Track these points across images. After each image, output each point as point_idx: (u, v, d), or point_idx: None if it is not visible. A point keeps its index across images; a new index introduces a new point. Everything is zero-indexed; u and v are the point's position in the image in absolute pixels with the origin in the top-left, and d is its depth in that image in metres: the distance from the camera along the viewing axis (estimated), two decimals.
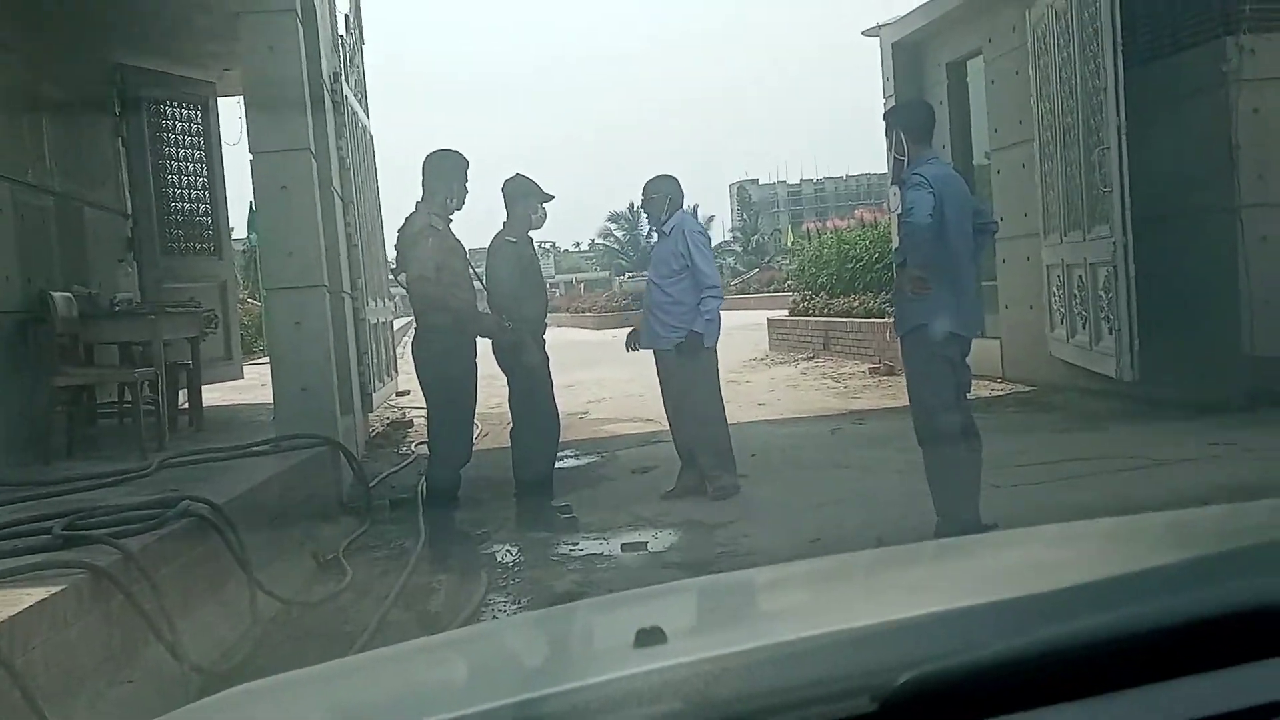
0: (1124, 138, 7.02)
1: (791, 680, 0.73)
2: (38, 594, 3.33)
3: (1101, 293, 7.59)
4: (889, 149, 5.25)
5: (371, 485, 6.73)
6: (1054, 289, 8.78)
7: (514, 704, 0.79)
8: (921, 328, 4.99)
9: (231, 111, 10.80)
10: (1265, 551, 0.94)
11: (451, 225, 5.72)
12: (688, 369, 6.32)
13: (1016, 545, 1.56)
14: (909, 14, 11.44)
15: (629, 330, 6.81)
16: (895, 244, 5.70)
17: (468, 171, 5.82)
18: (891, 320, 5.87)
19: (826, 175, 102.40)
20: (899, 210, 5.26)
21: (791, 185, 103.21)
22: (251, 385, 10.12)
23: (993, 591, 0.98)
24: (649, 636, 0.88)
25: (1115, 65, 7.03)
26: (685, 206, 6.65)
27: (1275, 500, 1.18)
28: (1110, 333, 7.43)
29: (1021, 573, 1.19)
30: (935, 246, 4.86)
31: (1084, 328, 8.09)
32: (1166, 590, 0.79)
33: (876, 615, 0.95)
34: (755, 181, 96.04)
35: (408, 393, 11.11)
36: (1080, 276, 8.08)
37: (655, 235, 6.70)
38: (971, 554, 1.59)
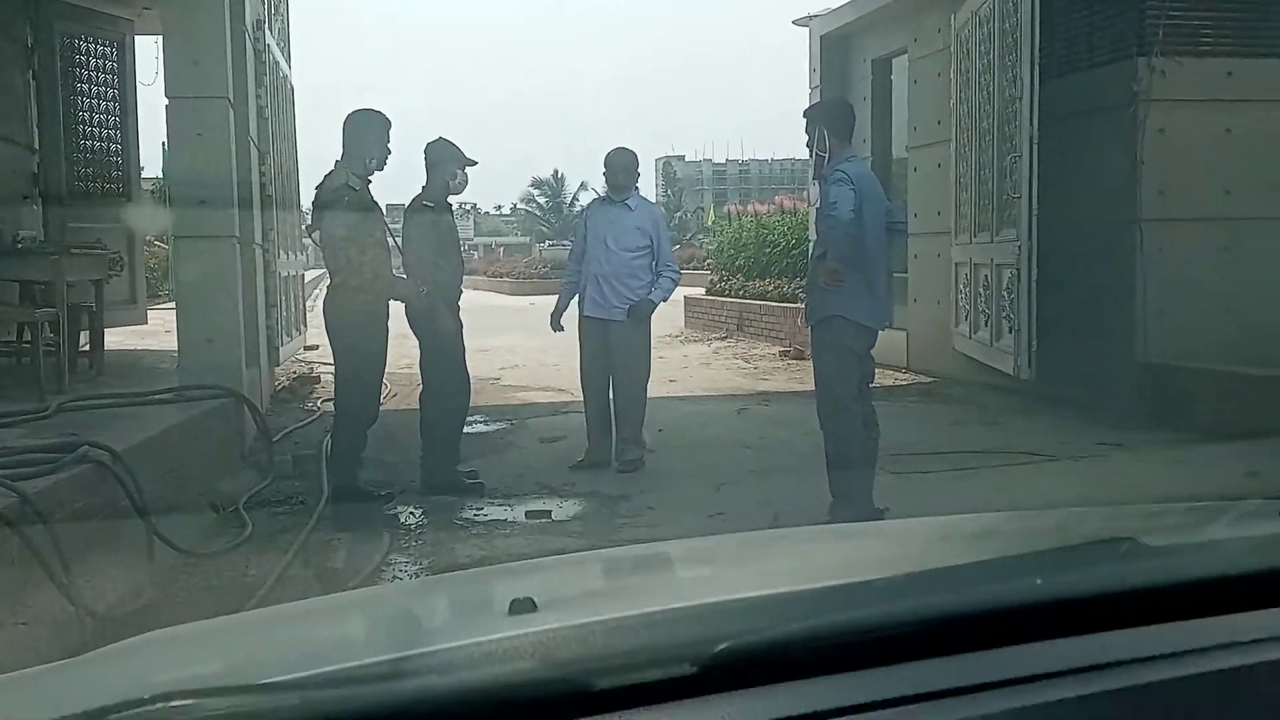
0: (1035, 147, 7.24)
1: (628, 646, 0.85)
2: None
3: (1005, 293, 7.83)
4: (810, 144, 5.41)
5: (275, 440, 6.69)
6: (961, 286, 9.03)
7: (386, 660, 0.87)
8: (833, 318, 5.16)
9: (148, 51, 10.58)
10: (1043, 557, 1.12)
11: (370, 186, 5.69)
12: (635, 339, 6.45)
13: (885, 536, 1.70)
14: (839, 8, 11.61)
15: (553, 309, 6.79)
16: (814, 236, 5.85)
17: (389, 132, 5.78)
18: (804, 307, 6.02)
19: (752, 157, 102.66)
20: (819, 204, 5.47)
21: (717, 164, 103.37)
22: (155, 331, 9.95)
23: (839, 576, 1.13)
24: (521, 606, 0.98)
25: (1032, 76, 7.24)
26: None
27: (1107, 509, 1.31)
28: (1010, 331, 7.68)
29: (871, 562, 1.34)
30: (853, 241, 5.03)
31: (986, 325, 8.34)
32: (944, 588, 0.98)
33: (728, 592, 1.11)
34: (681, 158, 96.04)
35: (316, 347, 11.00)
36: (986, 276, 8.33)
37: (604, 204, 6.74)
38: (848, 539, 1.73)
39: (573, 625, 0.91)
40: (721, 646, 0.81)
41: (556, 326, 6.79)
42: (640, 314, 6.45)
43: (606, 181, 6.69)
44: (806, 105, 5.91)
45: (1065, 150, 7.66)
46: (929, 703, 0.80)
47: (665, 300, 6.66)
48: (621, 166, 6.62)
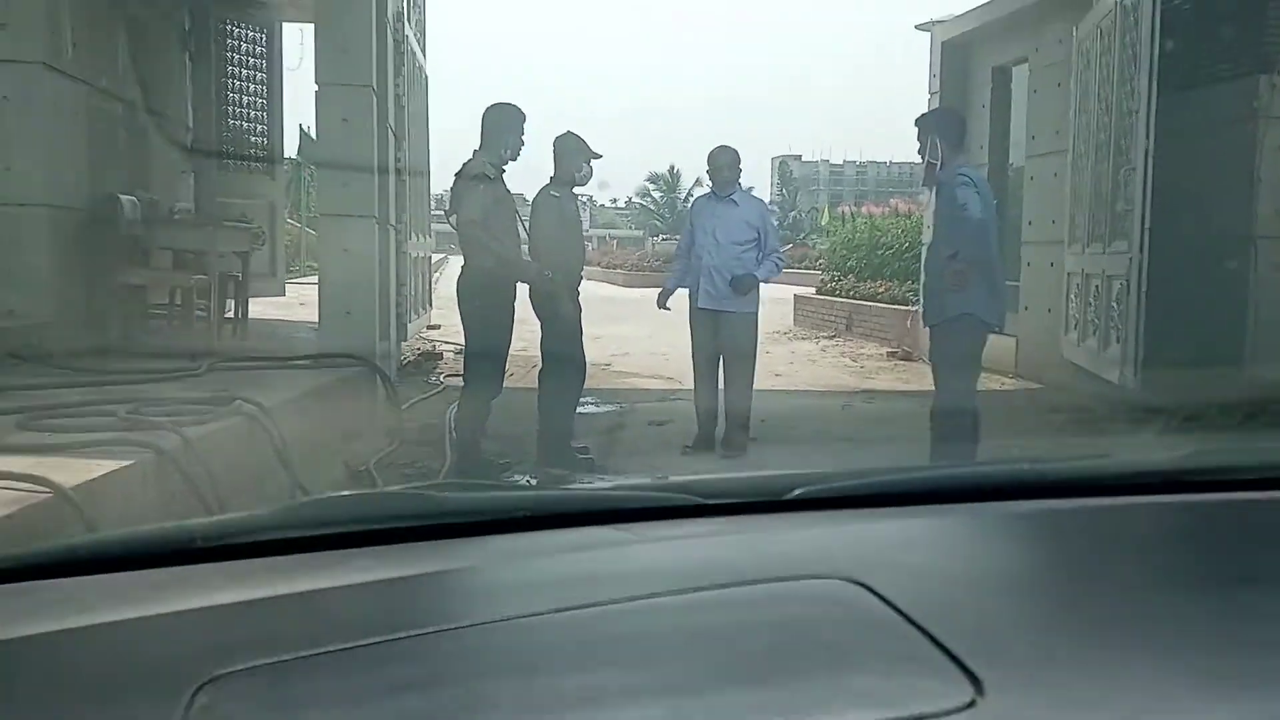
0: (1150, 160, 7.28)
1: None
2: (109, 465, 3.74)
3: (1114, 303, 7.88)
4: (921, 151, 5.64)
5: (404, 408, 7.11)
6: (1072, 295, 9.07)
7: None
8: (961, 316, 5.44)
9: (293, 37, 11.18)
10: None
11: (504, 175, 6.05)
12: (744, 330, 6.71)
13: None
14: (962, 14, 11.66)
15: (660, 291, 7.06)
16: (927, 239, 6.04)
17: (523, 125, 6.13)
18: (919, 308, 6.27)
19: (870, 159, 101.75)
20: (942, 207, 5.67)
21: (834, 165, 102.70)
22: (290, 303, 10.53)
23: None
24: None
25: (1150, 89, 7.27)
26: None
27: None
28: (1117, 341, 7.74)
29: None
30: (983, 242, 5.31)
31: (1094, 334, 8.38)
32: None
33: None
34: (799, 158, 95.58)
35: (438, 327, 11.51)
36: (1096, 286, 8.37)
37: (710, 200, 6.94)
38: None
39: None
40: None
41: (662, 305, 7.02)
42: (743, 287, 6.60)
43: (710, 178, 6.96)
44: (925, 110, 6.10)
45: (1181, 164, 7.68)
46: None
47: (767, 279, 6.79)
48: (723, 164, 6.82)
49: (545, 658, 0.86)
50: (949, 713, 0.72)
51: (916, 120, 5.82)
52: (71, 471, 3.52)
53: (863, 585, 0.93)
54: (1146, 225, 7.34)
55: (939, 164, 5.52)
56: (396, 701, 0.78)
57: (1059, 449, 6.89)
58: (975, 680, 0.76)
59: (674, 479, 1.31)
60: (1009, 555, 1.20)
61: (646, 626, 0.91)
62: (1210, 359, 7.66)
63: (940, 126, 5.69)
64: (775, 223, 7.00)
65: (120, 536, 1.19)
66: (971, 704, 0.73)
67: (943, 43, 11.96)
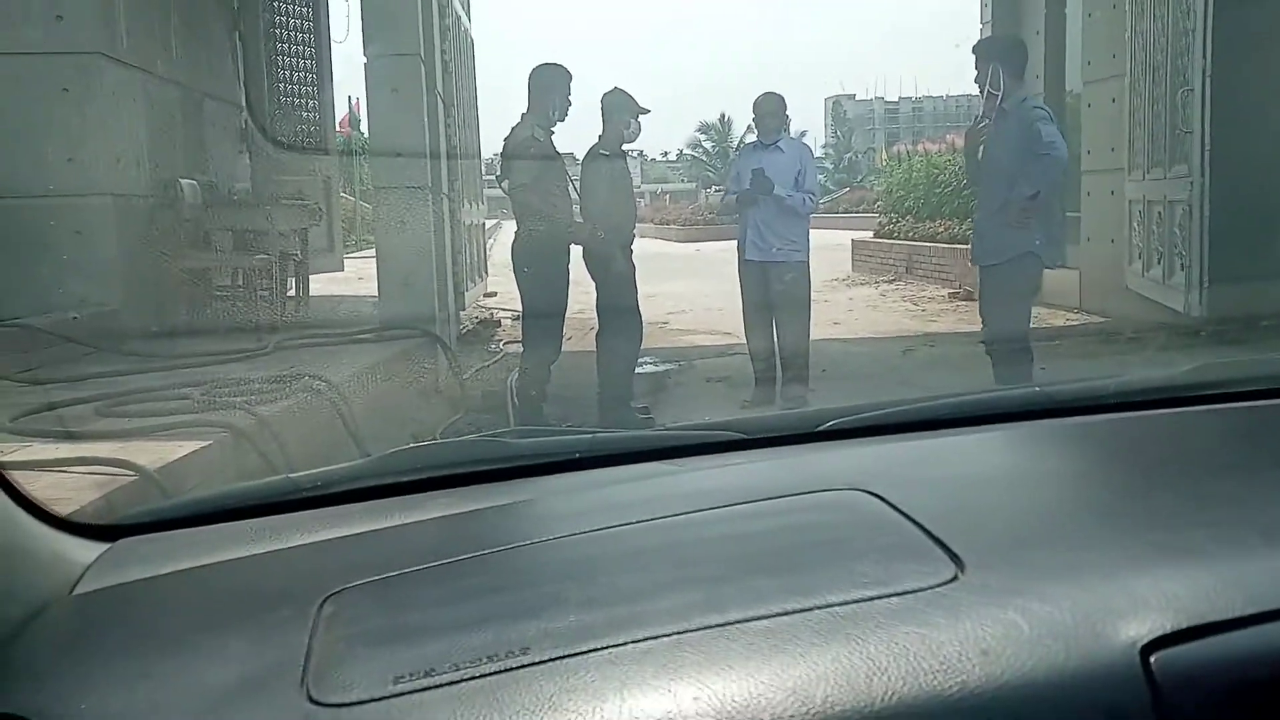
0: (1208, 80, 7.12)
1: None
2: (189, 447, 3.87)
3: (1177, 229, 7.75)
4: (980, 81, 5.49)
5: (465, 377, 7.22)
6: (1135, 224, 8.92)
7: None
8: (1026, 255, 5.42)
9: (339, 9, 11.23)
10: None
11: (553, 136, 6.08)
12: (796, 280, 6.61)
13: None
14: None
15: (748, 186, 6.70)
16: (978, 170, 5.82)
17: (570, 85, 6.14)
18: (970, 246, 6.15)
19: (926, 94, 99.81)
20: (994, 140, 5.55)
21: (889, 103, 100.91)
22: (349, 278, 10.68)
23: None
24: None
25: (1205, 6, 7.11)
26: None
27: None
28: (1182, 269, 7.62)
29: None
30: (1062, 179, 5.33)
31: (1159, 263, 8.26)
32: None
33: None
34: (852, 97, 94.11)
35: (495, 294, 11.59)
36: (1159, 213, 8.23)
37: (755, 149, 6.87)
38: None
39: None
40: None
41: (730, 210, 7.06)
42: (758, 189, 6.46)
43: (755, 126, 6.89)
44: (977, 40, 5.97)
45: (1240, 83, 7.48)
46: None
47: (785, 199, 6.47)
48: (768, 111, 6.73)
49: (602, 562, 1.01)
50: (934, 587, 0.85)
51: (975, 47, 5.69)
52: (153, 454, 3.65)
53: (873, 494, 1.07)
54: (1207, 147, 7.21)
55: (1000, 95, 5.38)
56: (481, 601, 0.94)
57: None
58: (958, 561, 0.89)
59: (718, 420, 1.44)
60: (1011, 466, 1.32)
61: (689, 535, 1.06)
62: (1275, 281, 7.49)
63: (1003, 54, 5.56)
64: (815, 165, 6.93)
65: (237, 490, 1.37)
66: (954, 579, 0.86)
67: None
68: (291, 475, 1.31)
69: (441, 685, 0.78)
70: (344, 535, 1.13)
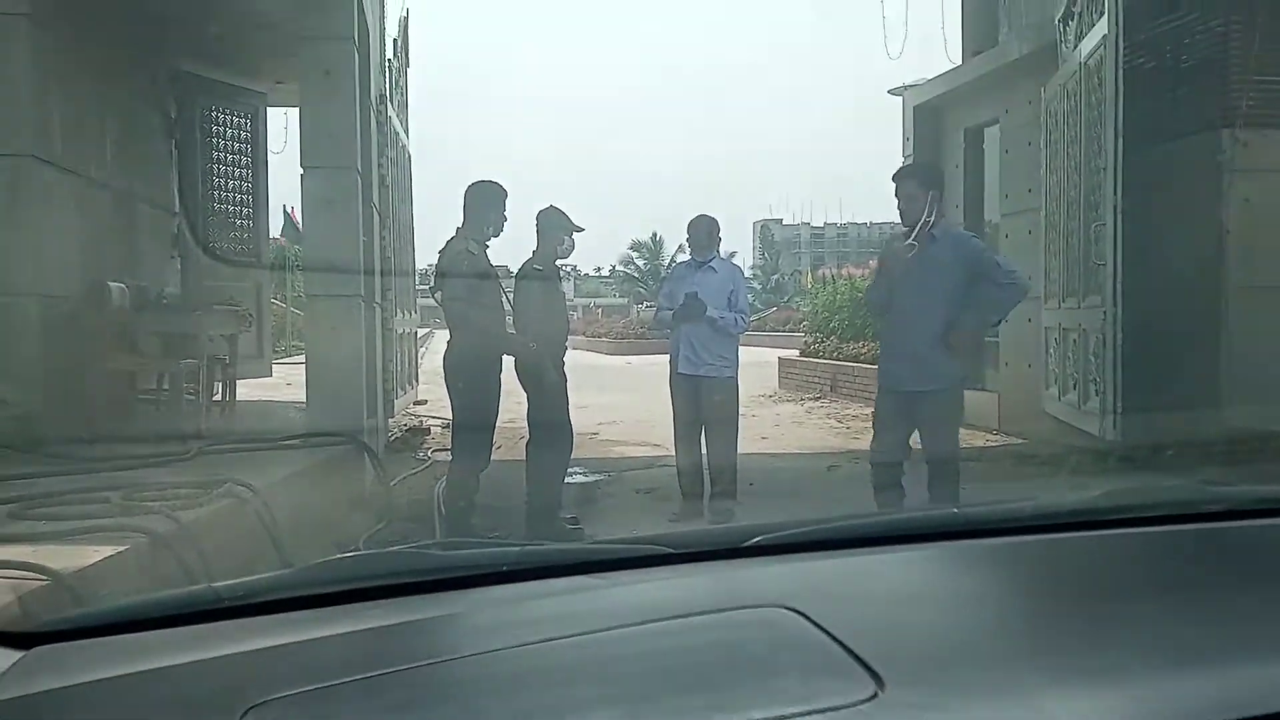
0: (1119, 215, 7.44)
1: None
2: (104, 551, 3.78)
3: (1092, 357, 8.01)
4: (909, 206, 5.46)
5: (392, 484, 7.16)
6: (1051, 351, 9.21)
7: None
8: (961, 382, 5.64)
9: (277, 122, 11.36)
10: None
11: (488, 250, 6.16)
12: (725, 395, 6.72)
13: None
14: (933, 79, 11.95)
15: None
16: (894, 296, 5.68)
17: (505, 201, 6.25)
18: (904, 371, 5.68)
19: (850, 220, 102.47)
20: (920, 266, 5.48)
21: (815, 228, 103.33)
22: (278, 384, 10.59)
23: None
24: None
25: (1116, 147, 7.45)
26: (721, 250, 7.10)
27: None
28: (1096, 394, 7.85)
29: None
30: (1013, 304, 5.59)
31: (1074, 388, 8.50)
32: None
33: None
34: (779, 221, 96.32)
35: (425, 402, 11.56)
36: (1074, 340, 8.51)
37: (689, 267, 7.02)
38: None
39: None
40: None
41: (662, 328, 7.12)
42: (690, 312, 6.58)
43: (689, 246, 7.06)
44: (902, 165, 5.94)
45: (1151, 218, 7.84)
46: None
47: (716, 320, 6.61)
48: (702, 232, 6.90)
49: (527, 679, 1.02)
50: (854, 704, 0.87)
51: (901, 173, 5.68)
52: (68, 558, 3.56)
53: (797, 611, 1.09)
54: (1119, 279, 7.49)
55: (931, 221, 5.41)
56: (404, 717, 0.94)
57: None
58: (878, 679, 0.91)
59: (646, 534, 1.46)
60: (931, 585, 1.36)
61: (614, 651, 1.07)
62: (1186, 406, 7.76)
63: (932, 180, 5.64)
64: (745, 286, 7.09)
65: (158, 598, 1.34)
66: (874, 696, 0.88)
67: (915, 106, 12.23)
68: (214, 585, 1.29)
69: None
70: (267, 646, 1.12)
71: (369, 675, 1.01)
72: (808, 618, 1.06)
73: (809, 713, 0.85)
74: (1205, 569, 1.35)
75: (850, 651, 0.97)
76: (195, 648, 1.11)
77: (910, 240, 5.50)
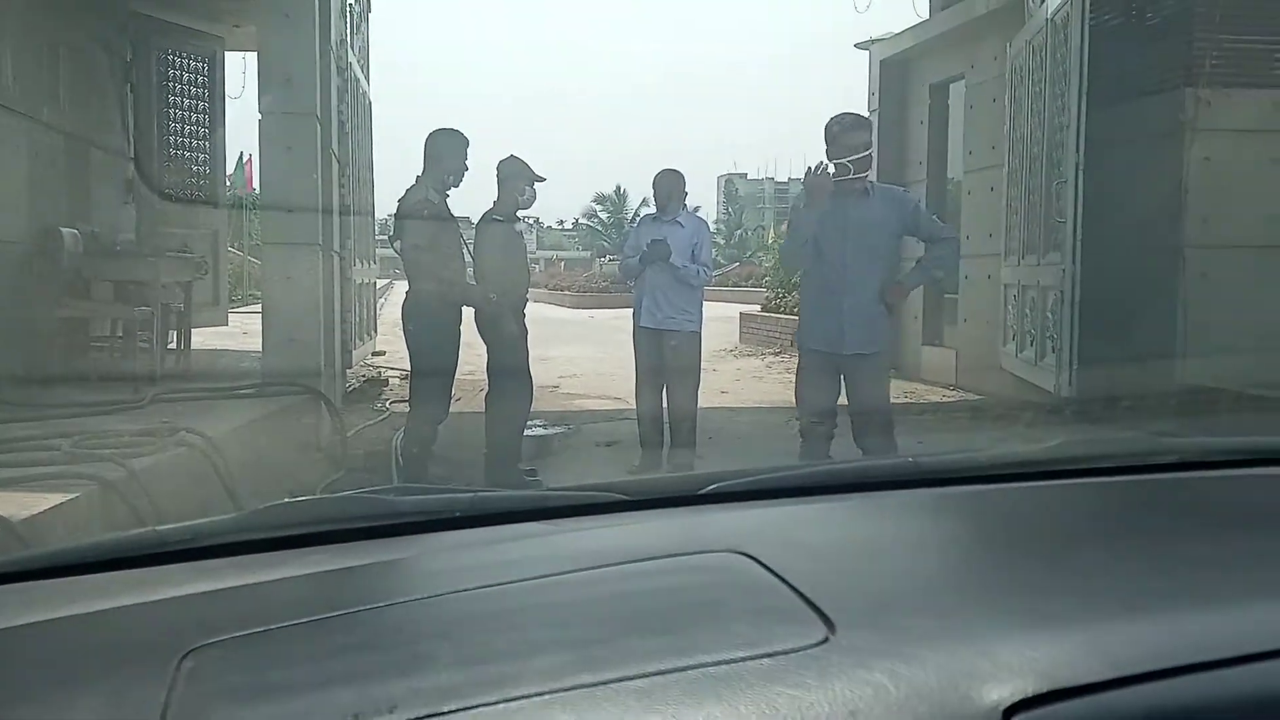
0: (1081, 174, 7.47)
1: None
2: (54, 499, 3.74)
3: (1049, 313, 8.07)
4: (858, 160, 5.22)
5: (349, 435, 7.11)
6: (1010, 307, 9.27)
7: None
8: (886, 348, 5.50)
9: (235, 66, 11.16)
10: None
11: (448, 200, 6.09)
12: (687, 349, 6.70)
13: None
14: (899, 33, 11.90)
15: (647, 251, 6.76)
16: (823, 251, 5.35)
17: (467, 150, 6.17)
18: (840, 334, 5.37)
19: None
20: (851, 218, 5.26)
21: (779, 182, 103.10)
22: (234, 333, 10.49)
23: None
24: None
25: (1079, 104, 7.47)
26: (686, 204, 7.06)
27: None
28: (1053, 350, 7.92)
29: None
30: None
31: (1032, 344, 8.58)
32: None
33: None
34: (744, 175, 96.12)
35: (384, 353, 11.49)
36: (1032, 297, 8.57)
37: (654, 220, 6.94)
38: None
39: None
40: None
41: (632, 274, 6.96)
42: (656, 253, 6.56)
43: (655, 201, 7.01)
44: (836, 116, 5.38)
45: (1112, 176, 7.88)
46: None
47: (679, 267, 6.57)
48: (668, 187, 6.84)
49: (477, 622, 1.00)
50: (806, 648, 0.87)
51: (836, 124, 5.31)
52: (17, 505, 3.53)
53: (749, 556, 1.09)
54: (1079, 237, 7.54)
55: (867, 175, 5.27)
56: (349, 659, 0.92)
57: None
58: (829, 623, 0.91)
59: (601, 482, 1.44)
60: (883, 532, 1.35)
61: (566, 595, 1.06)
62: (1142, 362, 7.85)
63: (869, 133, 5.43)
64: (710, 239, 7.05)
65: (98, 541, 1.30)
66: (825, 640, 0.88)
67: (881, 61, 12.20)
68: (158, 528, 1.27)
69: None
70: (211, 590, 1.10)
71: (314, 618, 0.99)
72: (761, 563, 1.06)
73: (760, 656, 0.85)
74: (1156, 518, 1.36)
75: (802, 596, 0.97)
76: (137, 592, 1.09)
77: (826, 169, 5.23)
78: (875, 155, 5.29)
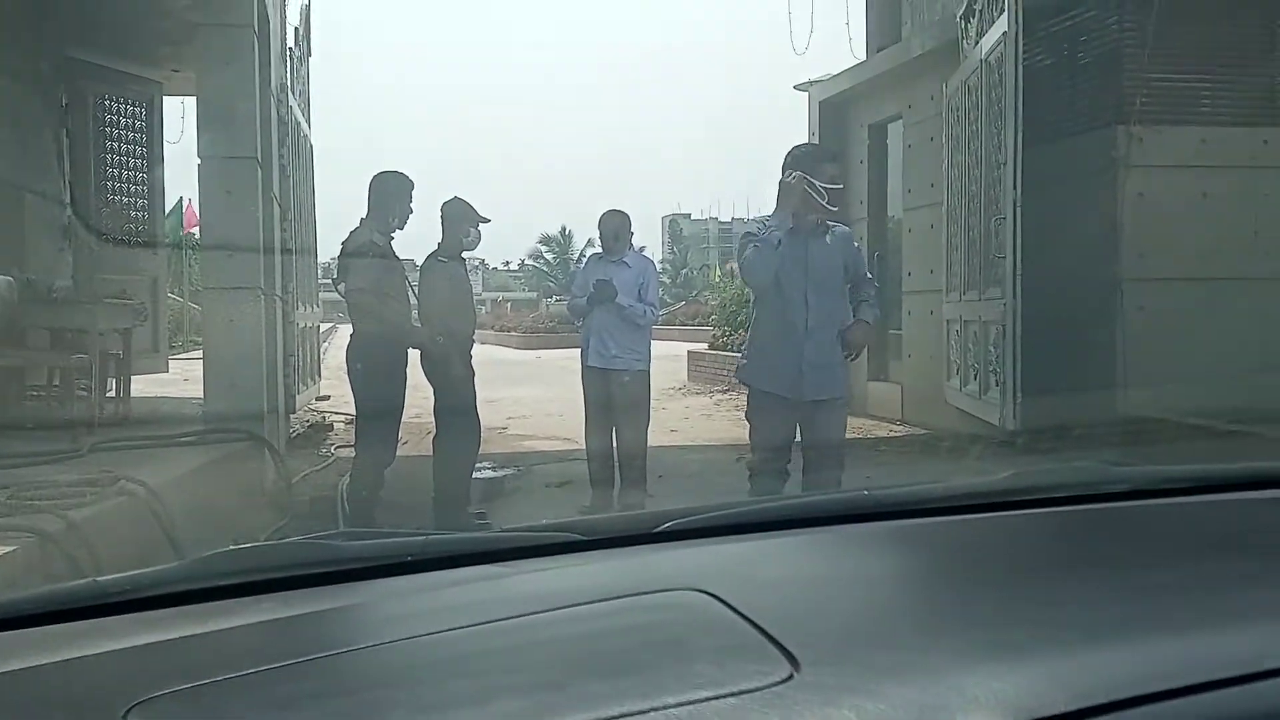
0: (1019, 210, 7.59)
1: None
2: None
3: (991, 348, 8.17)
4: (834, 191, 4.94)
5: (293, 481, 7.01)
6: (952, 342, 9.38)
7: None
8: (843, 395, 5.27)
9: (174, 110, 11.07)
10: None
11: (393, 242, 6.05)
12: (636, 389, 6.69)
13: None
14: (838, 74, 12.09)
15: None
16: (774, 294, 4.99)
17: (411, 192, 6.15)
18: (801, 381, 4.97)
19: (758, 214, 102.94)
20: (814, 256, 4.96)
21: (723, 222, 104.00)
22: (174, 379, 10.32)
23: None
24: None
25: (1016, 142, 7.61)
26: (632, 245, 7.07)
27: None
28: (996, 384, 8.01)
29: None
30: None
31: (975, 379, 8.67)
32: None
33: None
34: (688, 216, 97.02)
35: (328, 398, 11.36)
36: (975, 332, 8.68)
37: (601, 260, 6.91)
38: None
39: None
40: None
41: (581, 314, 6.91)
42: (602, 294, 6.56)
43: (601, 241, 7.02)
44: (799, 146, 5.20)
45: (1049, 212, 8.03)
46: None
47: (626, 307, 6.58)
48: (612, 229, 6.87)
49: (431, 668, 0.98)
50: (770, 686, 0.85)
51: (797, 154, 5.01)
52: None
53: (709, 594, 1.07)
54: (1019, 272, 7.65)
55: (830, 211, 4.95)
56: (300, 709, 0.89)
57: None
58: (793, 660, 0.89)
59: (555, 521, 1.42)
60: (842, 566, 1.35)
61: (523, 639, 1.04)
62: (1084, 399, 7.96)
63: (840, 167, 5.31)
64: (657, 279, 7.08)
65: (35, 594, 1.25)
66: (790, 678, 0.87)
67: (820, 102, 12.36)
68: (98, 579, 1.21)
69: None
70: (155, 641, 1.06)
71: (262, 669, 0.96)
72: (721, 600, 1.05)
73: (725, 695, 0.84)
74: (1113, 547, 1.36)
75: (765, 633, 0.96)
76: (78, 645, 1.05)
77: (804, 177, 4.84)
78: (833, 192, 4.90)
